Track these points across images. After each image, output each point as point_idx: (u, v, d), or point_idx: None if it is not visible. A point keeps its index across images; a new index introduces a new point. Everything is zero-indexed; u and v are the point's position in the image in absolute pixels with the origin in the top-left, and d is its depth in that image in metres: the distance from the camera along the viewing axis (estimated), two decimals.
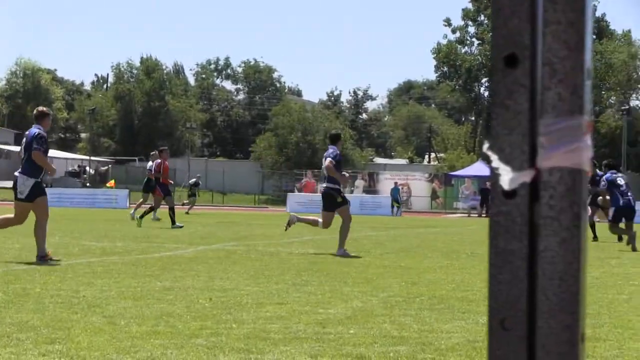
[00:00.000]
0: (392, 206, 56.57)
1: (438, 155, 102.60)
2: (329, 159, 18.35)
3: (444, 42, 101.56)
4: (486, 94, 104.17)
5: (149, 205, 31.06)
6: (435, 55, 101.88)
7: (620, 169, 27.61)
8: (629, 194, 23.53)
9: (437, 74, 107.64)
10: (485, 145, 1.73)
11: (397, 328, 8.33)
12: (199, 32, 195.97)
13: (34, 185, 14.68)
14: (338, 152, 18.69)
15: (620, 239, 24.64)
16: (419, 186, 74.43)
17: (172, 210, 28.15)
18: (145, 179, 33.08)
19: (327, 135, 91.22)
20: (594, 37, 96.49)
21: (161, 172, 29.01)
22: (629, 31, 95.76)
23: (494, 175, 1.58)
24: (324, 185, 18.88)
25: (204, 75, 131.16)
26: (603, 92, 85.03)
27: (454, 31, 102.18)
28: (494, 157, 1.59)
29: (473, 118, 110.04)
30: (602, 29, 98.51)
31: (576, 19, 1.55)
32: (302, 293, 10.88)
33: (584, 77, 1.56)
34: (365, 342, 7.55)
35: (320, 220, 19.14)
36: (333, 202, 18.84)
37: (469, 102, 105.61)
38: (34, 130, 14.98)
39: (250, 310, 9.21)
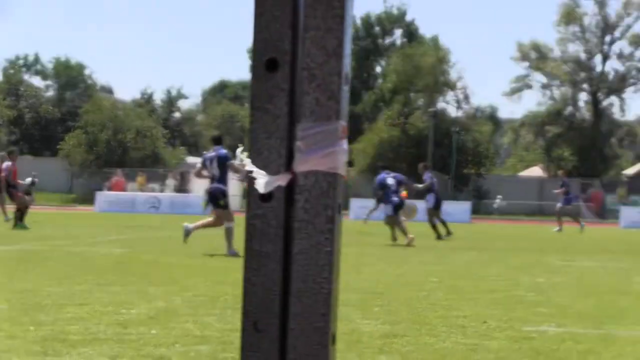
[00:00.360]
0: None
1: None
2: (232, 161, 19.38)
3: None
4: None
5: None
6: (249, 54, 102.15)
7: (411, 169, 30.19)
8: (396, 193, 26.48)
9: (251, 74, 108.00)
10: (239, 149, 1.74)
11: (199, 327, 8.30)
12: (6, 27, 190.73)
13: None
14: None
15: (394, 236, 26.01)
16: (232, 186, 74.44)
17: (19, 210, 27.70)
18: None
19: (137, 133, 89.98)
20: (405, 40, 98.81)
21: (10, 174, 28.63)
22: (437, 36, 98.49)
23: (250, 178, 1.59)
24: (215, 185, 19.47)
25: (12, 71, 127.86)
26: (412, 95, 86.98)
27: None
28: (251, 160, 1.60)
29: None
30: (412, 33, 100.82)
31: (335, 26, 1.57)
32: (105, 293, 10.72)
33: (342, 82, 1.58)
34: (167, 343, 7.50)
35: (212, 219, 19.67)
36: (216, 202, 19.45)
37: None
38: None
39: (50, 312, 9.01)
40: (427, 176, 30.62)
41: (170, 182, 71.18)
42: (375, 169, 78.41)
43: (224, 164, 19.42)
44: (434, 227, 29.22)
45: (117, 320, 8.63)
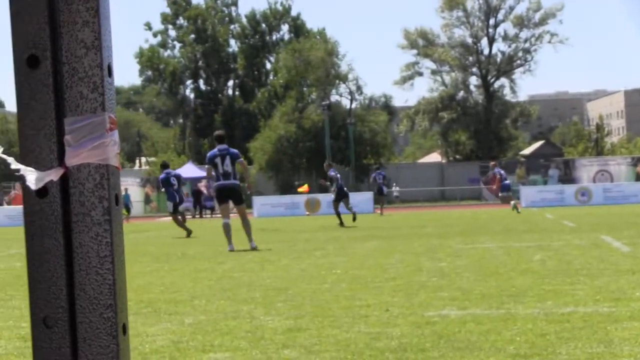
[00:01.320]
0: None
1: (149, 160, 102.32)
2: (242, 159, 20.60)
3: (146, 46, 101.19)
4: (192, 95, 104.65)
5: None
6: (138, 59, 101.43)
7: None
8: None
9: (142, 78, 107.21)
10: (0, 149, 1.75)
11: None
12: None
13: None
14: None
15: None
16: (132, 192, 73.80)
17: None
18: None
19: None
20: (292, 36, 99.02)
21: None
22: (324, 29, 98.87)
23: (23, 175, 1.60)
24: (231, 181, 20.25)
25: None
26: (305, 89, 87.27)
27: (155, 35, 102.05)
28: (23, 159, 1.60)
29: (181, 120, 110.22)
30: (299, 28, 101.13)
31: (91, 19, 1.58)
32: (5, 308, 10.55)
33: (104, 74, 1.59)
34: None
35: (226, 219, 20.32)
36: (240, 198, 20.50)
37: (175, 105, 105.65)
38: None
39: None
40: (332, 172, 34.64)
41: None
42: (274, 166, 78.80)
43: (235, 161, 20.29)
44: (338, 215, 33.31)
45: (18, 334, 8.50)
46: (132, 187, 74.60)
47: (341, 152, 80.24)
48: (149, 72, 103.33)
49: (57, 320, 1.58)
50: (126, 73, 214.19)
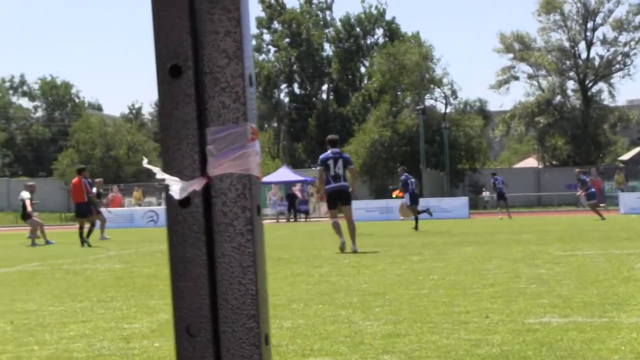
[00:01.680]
0: None
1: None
2: (353, 167, 21.30)
3: None
4: (286, 99, 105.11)
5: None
6: None
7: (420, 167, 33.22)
8: None
9: None
10: (145, 161, 1.77)
11: None
12: None
13: None
14: None
15: None
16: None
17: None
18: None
19: (129, 148, 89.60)
20: (387, 39, 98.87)
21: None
22: (418, 33, 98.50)
23: (166, 185, 1.61)
24: (341, 183, 20.82)
25: None
26: (399, 93, 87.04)
27: None
28: (165, 168, 1.62)
29: (275, 124, 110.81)
30: (394, 32, 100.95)
31: (233, 29, 1.59)
32: (107, 309, 10.72)
33: (246, 84, 1.60)
34: (170, 355, 7.50)
35: (334, 219, 21.03)
36: (349, 199, 21.17)
37: (270, 109, 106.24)
38: None
39: (53, 331, 9.02)
40: (403, 177, 35.69)
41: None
42: (369, 170, 78.72)
43: (346, 165, 20.80)
44: (416, 218, 34.91)
45: (120, 335, 8.63)
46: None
47: (435, 157, 79.87)
48: None
49: (200, 330, 1.60)
50: None
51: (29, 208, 31.65)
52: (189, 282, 1.62)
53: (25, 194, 32.58)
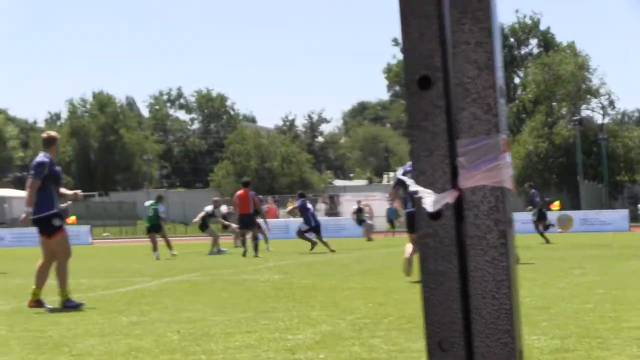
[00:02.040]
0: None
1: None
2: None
3: (394, 61, 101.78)
4: None
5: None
6: (386, 75, 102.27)
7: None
8: None
9: (389, 94, 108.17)
10: (399, 171, 1.74)
11: (366, 350, 8.30)
12: (149, 64, 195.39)
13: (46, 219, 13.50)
14: None
15: None
16: (379, 206, 74.40)
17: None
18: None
19: (283, 160, 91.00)
20: (541, 49, 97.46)
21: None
22: (574, 42, 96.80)
23: (418, 197, 1.59)
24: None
25: (157, 107, 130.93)
26: (554, 104, 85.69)
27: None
28: (415, 180, 1.60)
29: None
30: (548, 42, 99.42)
31: (484, 39, 1.55)
32: (269, 320, 10.83)
33: (497, 95, 1.57)
34: None
35: (409, 247, 17.21)
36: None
37: None
38: (37, 157, 13.68)
39: (219, 341, 9.15)
40: (532, 191, 36.28)
41: (321, 206, 71.70)
42: (524, 181, 77.68)
43: None
44: (541, 234, 35.15)
45: (284, 346, 8.70)
46: (379, 202, 75.28)
47: (593, 169, 78.35)
48: (397, 87, 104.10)
49: (453, 344, 1.59)
50: (374, 88, 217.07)
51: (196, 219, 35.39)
52: (441, 296, 1.60)
53: (209, 208, 36.56)
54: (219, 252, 33.20)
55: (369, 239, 45.40)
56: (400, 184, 17.71)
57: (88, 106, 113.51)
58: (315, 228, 33.89)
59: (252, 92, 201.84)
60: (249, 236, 30.44)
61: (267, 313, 11.60)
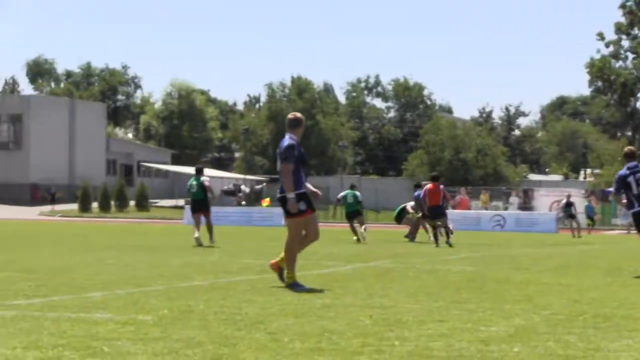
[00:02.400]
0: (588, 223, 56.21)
1: (594, 171, 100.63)
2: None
3: (597, 56, 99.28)
4: None
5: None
6: (588, 70, 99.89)
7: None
8: None
9: (590, 89, 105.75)
10: (623, 171, 1.67)
11: (562, 346, 8.17)
12: (348, 51, 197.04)
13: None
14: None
15: None
16: (575, 203, 72.94)
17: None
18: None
19: (478, 152, 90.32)
20: None
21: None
22: None
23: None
24: None
25: (354, 94, 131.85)
26: None
27: (607, 45, 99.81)
28: None
29: (630, 133, 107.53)
30: None
31: None
32: (462, 311, 10.77)
33: None
34: None
35: None
36: None
37: (624, 117, 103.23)
38: (284, 140, 13.68)
39: (412, 328, 9.17)
40: None
41: (514, 199, 70.85)
42: None
43: None
44: None
45: (477, 337, 8.64)
46: (575, 199, 73.79)
47: None
48: (599, 83, 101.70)
49: None
50: (574, 83, 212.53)
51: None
52: None
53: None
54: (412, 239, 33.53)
55: (578, 236, 44.30)
56: (623, 185, 17.48)
57: (286, 90, 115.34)
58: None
59: (449, 83, 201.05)
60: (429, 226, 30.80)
61: (460, 304, 11.54)
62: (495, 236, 41.78)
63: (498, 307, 11.20)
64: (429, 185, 30.41)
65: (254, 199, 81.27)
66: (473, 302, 11.72)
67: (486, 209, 64.58)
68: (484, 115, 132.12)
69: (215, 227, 27.69)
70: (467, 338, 8.58)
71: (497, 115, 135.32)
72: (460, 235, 39.09)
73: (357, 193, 33.21)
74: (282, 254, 13.80)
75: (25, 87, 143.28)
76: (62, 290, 12.32)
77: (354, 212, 33.02)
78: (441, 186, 30.43)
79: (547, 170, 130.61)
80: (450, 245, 28.09)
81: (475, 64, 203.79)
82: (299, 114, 14.06)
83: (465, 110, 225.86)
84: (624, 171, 17.69)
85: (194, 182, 27.74)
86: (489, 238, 38.34)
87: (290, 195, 13.29)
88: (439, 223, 29.98)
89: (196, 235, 26.43)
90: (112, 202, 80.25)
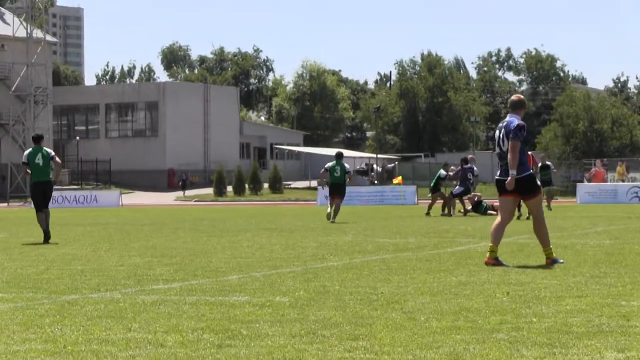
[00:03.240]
0: None
1: None
2: None
3: None
4: None
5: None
6: None
7: None
8: None
9: None
10: None
11: None
12: (478, 25, 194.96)
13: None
14: None
15: None
16: None
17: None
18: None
19: (613, 123, 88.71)
20: None
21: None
22: None
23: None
24: None
25: (485, 68, 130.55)
26: None
27: None
28: None
29: None
30: None
31: None
32: (601, 285, 10.58)
33: None
34: None
35: None
36: None
37: None
38: (512, 120, 13.61)
39: (550, 304, 9.04)
40: None
41: None
42: None
43: None
44: None
45: (618, 312, 8.48)
46: None
47: None
48: None
49: None
50: None
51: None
52: None
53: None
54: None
55: None
56: None
57: (417, 68, 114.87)
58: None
59: (583, 53, 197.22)
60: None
61: (599, 278, 11.34)
62: (633, 209, 40.89)
63: (639, 281, 10.96)
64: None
65: (386, 177, 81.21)
66: (612, 276, 11.50)
67: (623, 181, 63.15)
68: (619, 84, 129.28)
69: (347, 207, 28.06)
70: (608, 313, 8.42)
71: (633, 84, 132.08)
72: (596, 208, 38.40)
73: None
74: (490, 244, 13.50)
75: (161, 74, 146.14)
76: (200, 274, 12.51)
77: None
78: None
79: None
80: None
81: (608, 32, 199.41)
82: (521, 96, 14.22)
83: (599, 80, 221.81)
84: None
85: (337, 167, 29.61)
86: (627, 211, 37.55)
87: (513, 171, 13.28)
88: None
89: (329, 210, 29.00)
90: (246, 185, 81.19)
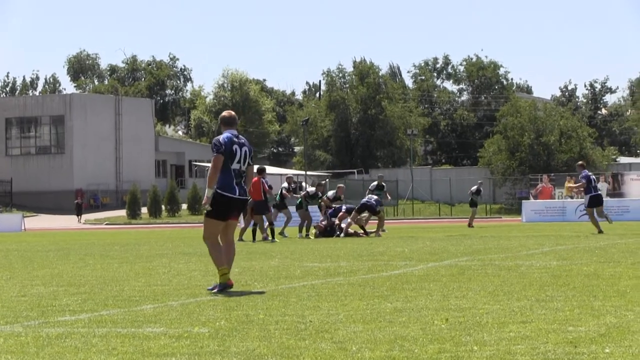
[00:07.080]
0: None
1: None
2: None
3: None
4: None
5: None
6: None
7: None
8: None
9: None
10: None
11: None
12: (413, 31, 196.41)
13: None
14: None
15: None
16: None
17: None
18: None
19: (562, 135, 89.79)
20: None
21: None
22: None
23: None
24: None
25: (422, 77, 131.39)
26: None
27: None
28: None
29: None
30: None
31: None
32: (547, 310, 10.72)
33: None
34: None
35: None
36: None
37: None
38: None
39: (492, 331, 9.14)
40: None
41: (602, 185, 70.15)
42: None
43: None
44: None
45: (565, 338, 8.60)
46: None
47: None
48: None
49: None
50: None
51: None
52: None
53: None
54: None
55: None
56: None
57: (347, 77, 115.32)
58: None
59: (527, 60, 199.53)
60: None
61: (545, 302, 11.48)
62: (581, 227, 41.42)
63: (587, 305, 11.12)
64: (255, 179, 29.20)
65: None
66: (559, 300, 11.65)
67: (571, 197, 63.97)
68: (567, 93, 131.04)
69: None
70: (554, 340, 8.53)
71: (581, 93, 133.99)
72: (543, 227, 38.85)
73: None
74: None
75: (67, 86, 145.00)
76: (111, 304, 12.44)
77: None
78: (264, 180, 31.62)
79: (638, 151, 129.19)
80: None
81: (554, 37, 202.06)
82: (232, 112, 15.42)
83: (545, 89, 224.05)
84: None
85: None
86: (576, 230, 38.03)
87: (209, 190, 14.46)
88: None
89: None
90: (163, 207, 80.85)
